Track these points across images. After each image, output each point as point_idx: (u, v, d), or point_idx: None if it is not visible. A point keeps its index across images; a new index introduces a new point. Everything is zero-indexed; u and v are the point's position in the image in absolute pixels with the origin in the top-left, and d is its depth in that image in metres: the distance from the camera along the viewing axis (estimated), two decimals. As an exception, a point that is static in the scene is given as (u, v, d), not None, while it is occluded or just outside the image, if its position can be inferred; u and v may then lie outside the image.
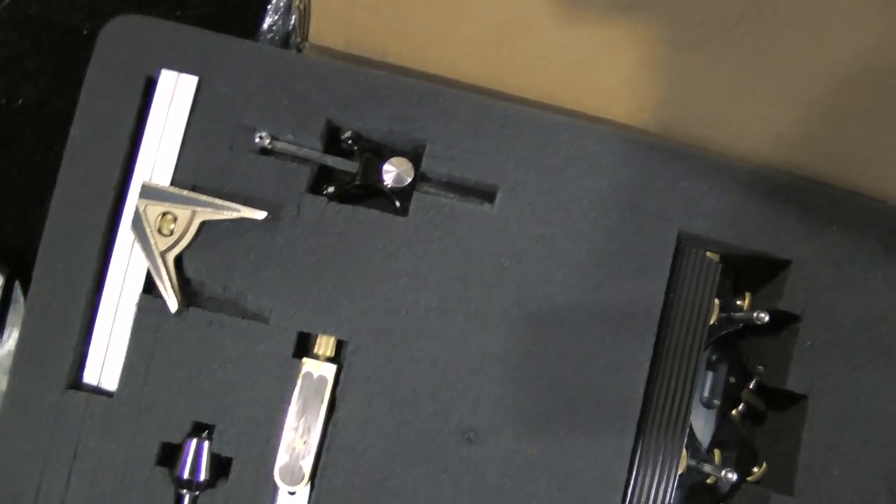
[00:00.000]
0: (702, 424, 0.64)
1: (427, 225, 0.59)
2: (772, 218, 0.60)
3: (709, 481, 0.63)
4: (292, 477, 0.58)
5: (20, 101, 0.67)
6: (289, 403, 0.58)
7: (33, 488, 0.58)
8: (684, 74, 0.57)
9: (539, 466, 0.58)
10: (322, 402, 0.58)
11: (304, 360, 0.58)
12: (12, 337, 0.63)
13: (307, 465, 0.58)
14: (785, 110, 0.58)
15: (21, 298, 0.63)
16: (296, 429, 0.58)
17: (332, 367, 0.58)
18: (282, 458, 0.58)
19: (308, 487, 0.58)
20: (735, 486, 0.63)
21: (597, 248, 0.59)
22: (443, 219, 0.59)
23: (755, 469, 0.63)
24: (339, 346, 0.59)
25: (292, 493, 0.58)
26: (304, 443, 0.58)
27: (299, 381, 0.58)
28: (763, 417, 0.65)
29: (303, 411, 0.58)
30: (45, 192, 0.66)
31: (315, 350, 0.59)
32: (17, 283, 0.63)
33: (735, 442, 0.64)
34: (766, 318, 0.59)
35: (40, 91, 0.68)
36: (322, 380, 0.58)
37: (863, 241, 0.61)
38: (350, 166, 0.60)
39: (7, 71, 0.67)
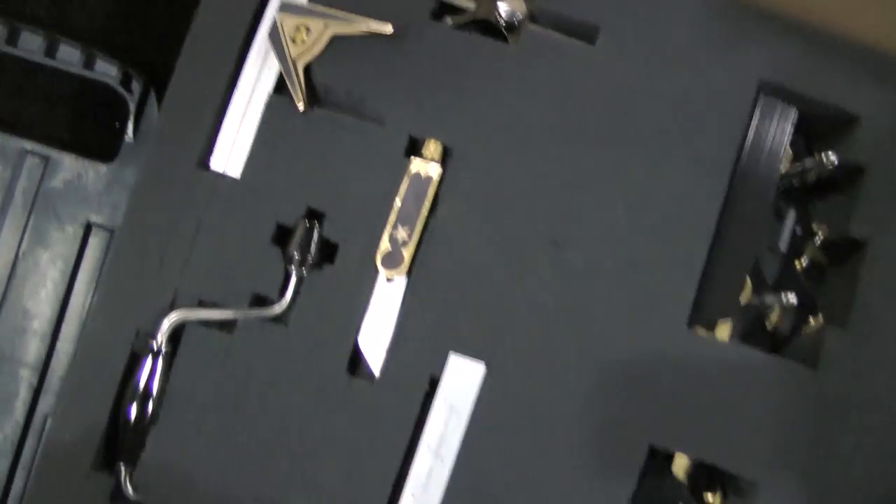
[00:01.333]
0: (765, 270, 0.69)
1: (535, 55, 0.66)
2: (846, 76, 0.66)
3: (770, 321, 0.67)
4: (392, 263, 0.63)
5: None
6: (395, 197, 0.64)
7: (158, 255, 0.64)
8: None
9: (617, 275, 0.63)
10: (426, 198, 0.64)
11: (413, 158, 0.64)
12: (145, 135, 0.70)
13: (407, 254, 0.63)
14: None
15: (155, 104, 0.70)
16: (400, 221, 0.64)
17: (438, 168, 0.64)
18: (384, 247, 0.63)
19: (405, 277, 0.64)
20: (793, 332, 0.68)
21: (684, 89, 0.65)
22: (549, 51, 0.66)
23: (812, 320, 0.67)
24: (446, 152, 0.65)
25: (390, 280, 0.64)
26: (407, 234, 0.63)
27: (406, 178, 0.64)
28: (823, 275, 0.70)
29: (408, 205, 0.64)
30: (182, 13, 0.72)
31: (423, 153, 0.65)
32: (151, 91, 0.70)
33: (796, 291, 0.68)
34: (836, 161, 0.64)
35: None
36: (428, 179, 0.64)
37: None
38: (467, 3, 0.67)
39: None
